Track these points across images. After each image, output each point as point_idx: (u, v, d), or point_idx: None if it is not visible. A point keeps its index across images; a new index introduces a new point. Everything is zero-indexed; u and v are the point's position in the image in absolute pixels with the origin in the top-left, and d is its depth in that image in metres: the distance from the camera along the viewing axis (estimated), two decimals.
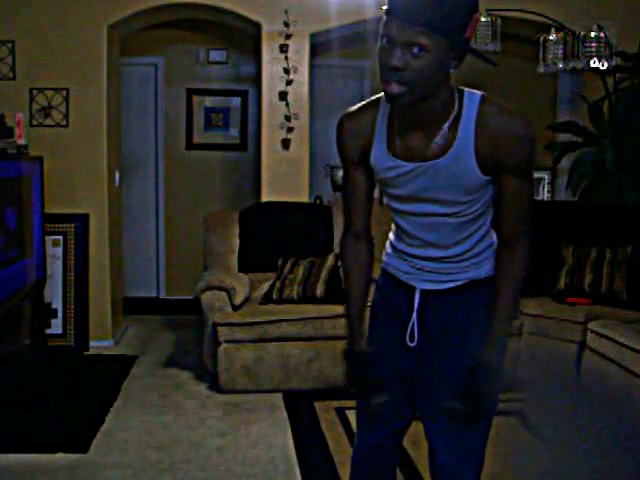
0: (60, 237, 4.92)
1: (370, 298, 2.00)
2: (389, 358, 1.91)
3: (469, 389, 1.75)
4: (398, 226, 1.88)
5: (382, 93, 1.66)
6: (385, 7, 1.53)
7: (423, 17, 1.46)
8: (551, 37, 4.78)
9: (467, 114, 1.64)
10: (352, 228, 1.93)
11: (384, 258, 1.99)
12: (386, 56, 1.52)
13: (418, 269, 1.86)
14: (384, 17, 1.53)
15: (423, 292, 1.86)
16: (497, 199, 1.76)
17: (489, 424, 1.86)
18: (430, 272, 1.85)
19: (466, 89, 1.68)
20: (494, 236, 1.88)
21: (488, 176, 1.68)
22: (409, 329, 1.86)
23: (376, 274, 2.03)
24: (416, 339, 1.86)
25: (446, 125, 1.64)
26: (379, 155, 1.75)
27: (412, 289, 1.87)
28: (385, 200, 1.89)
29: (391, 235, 1.98)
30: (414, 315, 1.86)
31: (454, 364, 1.81)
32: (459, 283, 1.83)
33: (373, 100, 1.79)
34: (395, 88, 1.54)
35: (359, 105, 1.82)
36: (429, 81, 1.54)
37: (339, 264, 4.44)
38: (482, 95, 1.66)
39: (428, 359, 1.86)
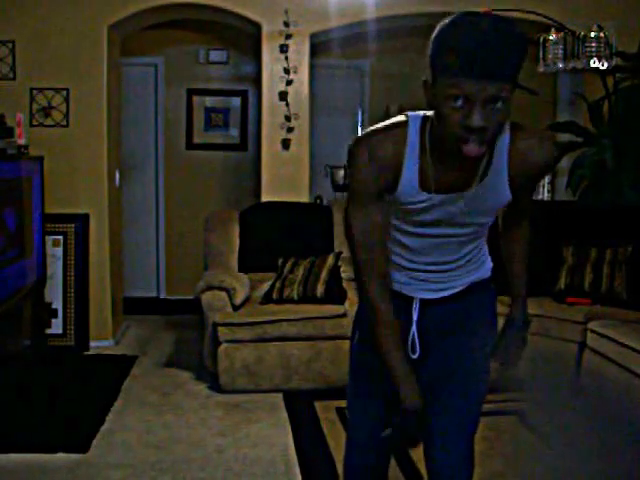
0: (60, 237, 4.92)
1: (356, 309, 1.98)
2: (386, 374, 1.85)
3: (509, 345, 1.88)
4: (401, 244, 1.78)
5: (404, 117, 1.62)
6: (448, 67, 1.40)
7: (507, 71, 1.40)
8: (551, 37, 4.78)
9: (501, 142, 1.59)
10: (379, 272, 1.71)
11: None
12: (462, 116, 1.42)
13: (417, 280, 1.82)
14: (447, 77, 1.41)
15: (422, 302, 1.82)
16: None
17: (477, 423, 1.93)
18: (429, 282, 1.81)
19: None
20: (486, 246, 1.91)
21: (513, 194, 1.68)
22: (409, 341, 1.82)
23: None
24: (417, 351, 1.83)
25: (485, 159, 1.59)
26: (408, 190, 1.62)
27: (409, 299, 1.83)
28: (394, 220, 1.75)
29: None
30: (413, 326, 1.82)
31: (457, 365, 1.82)
32: (458, 289, 1.83)
33: (398, 123, 1.63)
34: (476, 149, 1.45)
35: (384, 128, 1.62)
36: (501, 129, 1.49)
37: (340, 266, 4.44)
38: (511, 123, 1.62)
39: (427, 366, 1.84)
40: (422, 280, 1.82)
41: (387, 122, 1.65)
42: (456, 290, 1.83)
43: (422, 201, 1.64)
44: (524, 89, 1.51)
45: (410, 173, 1.61)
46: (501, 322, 1.96)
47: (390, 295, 1.74)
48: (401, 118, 1.64)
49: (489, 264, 1.90)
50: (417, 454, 3.17)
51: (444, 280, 1.81)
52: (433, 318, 1.83)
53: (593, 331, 3.94)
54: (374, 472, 2.03)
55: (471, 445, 1.91)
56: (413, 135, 1.60)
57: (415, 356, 1.83)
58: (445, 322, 1.84)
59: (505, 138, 1.59)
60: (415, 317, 1.82)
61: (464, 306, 1.84)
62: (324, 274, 4.36)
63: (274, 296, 4.33)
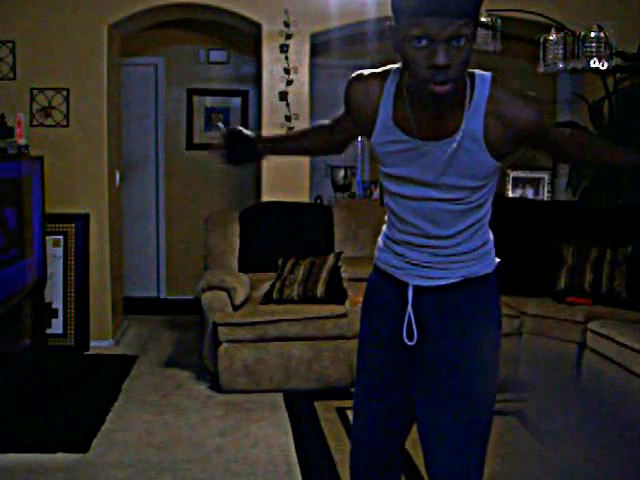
0: (60, 237, 4.93)
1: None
2: (387, 359, 1.87)
3: None
4: (391, 211, 1.81)
5: (391, 65, 1.70)
6: (407, 7, 1.46)
7: (466, 8, 1.43)
8: (551, 37, 4.77)
9: (479, 97, 1.60)
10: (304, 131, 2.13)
11: (376, 253, 1.93)
12: (426, 56, 1.46)
13: (410, 264, 1.79)
14: (407, 18, 1.46)
15: (416, 289, 1.79)
16: (554, 152, 1.85)
17: (489, 430, 1.81)
18: (423, 267, 1.77)
19: (476, 71, 1.64)
20: (491, 236, 1.84)
21: (499, 161, 1.65)
22: (405, 327, 1.79)
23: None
24: (415, 337, 1.79)
25: (460, 109, 1.60)
26: (383, 124, 1.68)
27: (405, 286, 1.81)
28: (381, 179, 1.80)
29: (384, 227, 1.91)
30: (409, 312, 1.79)
31: (452, 363, 1.76)
32: (453, 280, 1.76)
33: (383, 71, 1.72)
34: (442, 88, 1.49)
35: (370, 71, 1.75)
36: (466, 71, 1.54)
37: (340, 266, 4.44)
38: (492, 77, 1.63)
39: (424, 359, 1.80)
40: (415, 264, 1.78)
41: (377, 69, 1.76)
42: (450, 281, 1.76)
43: (394, 141, 1.67)
44: (485, 27, 1.58)
45: (385, 115, 1.67)
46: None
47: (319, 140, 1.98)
48: (389, 67, 1.72)
49: (493, 259, 1.82)
50: (417, 454, 3.18)
51: (435, 266, 1.77)
52: (427, 308, 1.79)
53: (593, 331, 3.94)
54: (381, 473, 1.97)
55: (480, 452, 1.79)
56: (390, 82, 1.68)
57: (412, 342, 1.80)
58: (442, 315, 1.78)
59: (484, 93, 1.60)
60: (410, 301, 1.78)
61: (463, 300, 1.77)
62: (324, 274, 4.36)
63: (274, 296, 4.33)
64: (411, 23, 1.45)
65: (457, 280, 1.77)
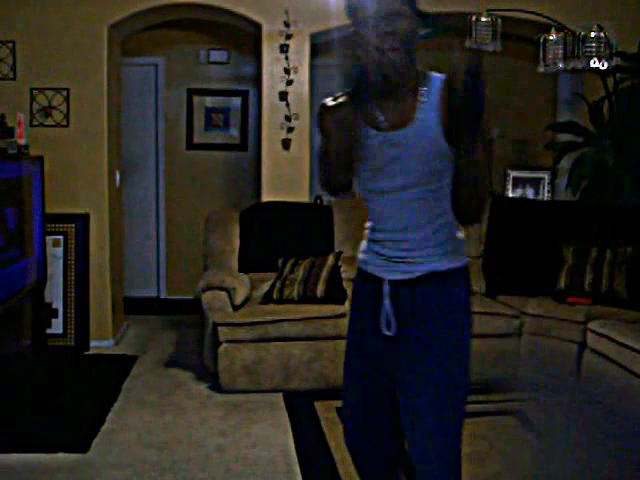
0: (61, 237, 4.93)
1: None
2: (370, 353, 1.99)
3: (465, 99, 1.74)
4: (370, 210, 1.98)
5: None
6: (355, 6, 1.80)
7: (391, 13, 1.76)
8: (551, 37, 4.78)
9: (433, 88, 1.83)
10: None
11: (358, 255, 2.06)
12: (375, 30, 1.76)
13: (384, 260, 1.94)
14: (358, 11, 1.79)
15: (392, 283, 1.92)
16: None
17: (462, 414, 1.91)
18: (397, 262, 1.92)
19: (433, 72, 1.87)
20: (460, 235, 1.95)
21: (451, 144, 1.80)
22: (382, 318, 1.92)
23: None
24: (393, 326, 1.91)
25: (415, 97, 1.83)
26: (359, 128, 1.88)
27: (381, 282, 1.94)
28: (360, 181, 1.95)
29: (366, 231, 2.04)
30: (386, 303, 1.91)
31: (427, 357, 1.87)
32: (422, 273, 1.89)
33: (346, 92, 1.91)
34: (391, 53, 1.76)
35: (336, 97, 1.93)
36: (412, 44, 1.79)
37: (340, 266, 4.44)
38: (447, 77, 1.84)
39: (401, 349, 1.92)
40: (388, 260, 1.93)
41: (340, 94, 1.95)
42: (420, 274, 1.89)
43: (369, 137, 1.86)
44: (422, 15, 1.83)
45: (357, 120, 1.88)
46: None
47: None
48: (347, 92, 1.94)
49: (460, 257, 1.94)
50: None
51: (407, 260, 1.90)
52: (401, 301, 1.91)
53: (593, 331, 3.94)
54: (375, 453, 2.07)
55: (454, 435, 1.89)
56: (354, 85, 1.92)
57: (390, 332, 1.93)
58: (415, 307, 1.90)
59: (437, 84, 1.84)
60: (385, 291, 1.91)
61: (433, 293, 1.90)
62: (324, 274, 4.36)
63: (274, 296, 4.33)
64: (361, 11, 1.78)
65: (423, 274, 1.89)
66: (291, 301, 4.30)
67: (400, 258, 1.91)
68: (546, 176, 5.95)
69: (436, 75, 1.86)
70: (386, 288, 1.92)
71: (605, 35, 4.63)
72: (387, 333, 1.92)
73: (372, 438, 2.06)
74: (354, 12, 1.81)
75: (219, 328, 4.11)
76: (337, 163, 1.87)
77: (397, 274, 1.91)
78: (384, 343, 1.94)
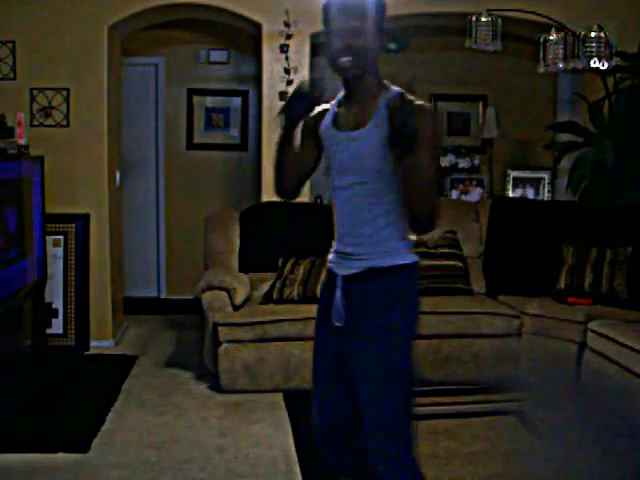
0: (61, 237, 4.93)
1: None
2: (326, 347, 2.15)
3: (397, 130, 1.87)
4: (336, 208, 2.13)
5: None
6: (327, 15, 2.05)
7: (356, 13, 2.00)
8: (551, 37, 4.78)
9: (387, 95, 2.00)
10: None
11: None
12: (335, 44, 2.00)
13: (340, 257, 2.10)
14: (329, 22, 2.04)
15: (344, 278, 2.07)
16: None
17: (407, 399, 2.02)
18: (348, 258, 2.07)
19: (393, 86, 2.05)
20: (408, 234, 2.05)
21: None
22: (334, 310, 2.07)
23: None
24: (342, 318, 2.06)
25: (374, 104, 2.01)
26: (326, 128, 2.11)
27: (335, 276, 2.11)
28: (331, 179, 2.14)
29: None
30: (337, 295, 2.07)
31: (366, 348, 2.00)
32: (365, 269, 2.02)
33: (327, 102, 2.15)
34: (347, 61, 1.99)
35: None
36: (366, 54, 1.99)
37: None
38: (401, 92, 1.98)
39: (350, 344, 2.05)
40: (343, 256, 2.09)
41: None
42: (366, 268, 2.02)
43: (331, 137, 2.09)
44: (387, 33, 2.05)
45: (329, 116, 2.13)
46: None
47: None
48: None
49: (404, 255, 2.04)
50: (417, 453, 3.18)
51: (358, 256, 2.04)
52: (352, 294, 2.05)
53: (593, 331, 3.94)
54: (340, 445, 2.18)
55: (399, 425, 2.01)
56: (332, 103, 2.16)
57: (340, 323, 2.07)
58: (360, 299, 2.04)
59: (391, 93, 2.00)
60: (338, 284, 2.07)
61: (372, 290, 2.03)
62: (324, 274, 4.36)
63: (274, 296, 4.33)
64: (329, 24, 2.04)
65: (366, 269, 2.03)
66: (291, 301, 4.30)
67: (350, 254, 2.06)
68: (546, 176, 5.95)
69: (394, 89, 2.04)
70: (339, 282, 2.07)
71: (605, 35, 4.63)
72: (337, 324, 2.07)
73: (337, 430, 2.17)
74: (325, 23, 2.06)
75: (219, 328, 4.11)
76: (291, 169, 2.16)
77: (347, 269, 2.06)
78: (337, 336, 2.08)
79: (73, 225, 4.93)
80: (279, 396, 4.10)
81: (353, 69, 2.01)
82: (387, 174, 1.99)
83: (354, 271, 2.05)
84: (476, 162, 5.97)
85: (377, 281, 2.02)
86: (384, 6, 2.08)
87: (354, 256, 2.05)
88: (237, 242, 4.88)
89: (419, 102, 1.95)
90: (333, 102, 2.17)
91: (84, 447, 3.33)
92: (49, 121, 4.89)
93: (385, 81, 2.07)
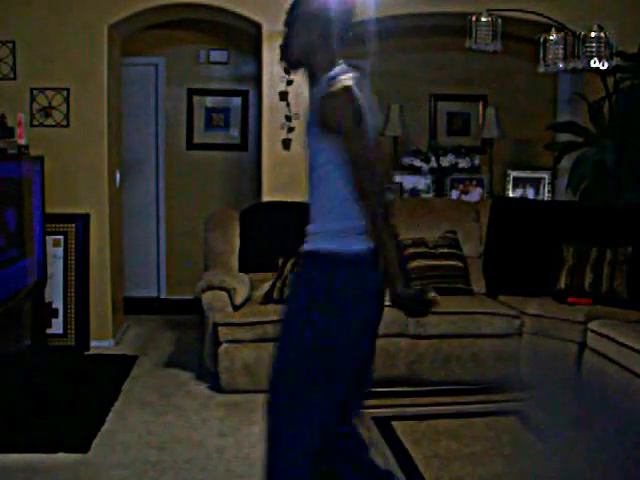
0: (61, 237, 4.93)
1: None
2: None
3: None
4: None
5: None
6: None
7: (288, 18, 2.29)
8: (551, 37, 4.78)
9: (324, 81, 2.09)
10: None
11: None
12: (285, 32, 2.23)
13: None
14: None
15: (300, 258, 2.20)
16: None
17: (308, 395, 2.22)
18: (306, 237, 2.18)
19: (345, 73, 2.11)
20: (356, 223, 2.05)
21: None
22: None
23: None
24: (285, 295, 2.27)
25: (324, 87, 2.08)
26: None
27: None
28: None
29: None
30: (291, 276, 2.28)
31: (282, 331, 2.19)
32: (306, 250, 2.14)
33: None
34: (290, 51, 2.22)
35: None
36: (300, 48, 2.19)
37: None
38: (338, 76, 2.07)
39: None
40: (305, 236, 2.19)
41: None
42: (305, 250, 2.14)
43: (306, 116, 2.19)
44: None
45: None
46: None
47: None
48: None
49: (342, 242, 2.06)
50: (417, 454, 3.18)
51: (307, 236, 2.18)
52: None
53: (593, 331, 3.94)
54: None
55: (302, 414, 2.21)
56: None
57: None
58: (295, 283, 2.23)
59: (326, 80, 2.08)
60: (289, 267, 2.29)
61: (302, 273, 2.16)
62: None
63: (274, 296, 4.33)
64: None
65: (306, 250, 2.14)
66: None
67: (306, 234, 2.19)
68: (546, 176, 5.95)
69: (333, 75, 2.10)
70: (297, 261, 2.25)
71: (605, 35, 4.63)
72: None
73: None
74: None
75: (219, 328, 4.11)
76: None
77: (301, 249, 2.17)
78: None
79: (73, 225, 4.93)
80: None
81: (296, 54, 2.21)
82: (325, 150, 2.05)
83: (303, 251, 2.18)
84: (476, 162, 5.96)
85: (307, 263, 2.14)
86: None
87: (306, 236, 2.19)
88: (237, 242, 4.88)
89: (336, 87, 2.03)
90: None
91: (84, 447, 3.33)
92: (49, 121, 4.89)
93: (337, 65, 2.15)
